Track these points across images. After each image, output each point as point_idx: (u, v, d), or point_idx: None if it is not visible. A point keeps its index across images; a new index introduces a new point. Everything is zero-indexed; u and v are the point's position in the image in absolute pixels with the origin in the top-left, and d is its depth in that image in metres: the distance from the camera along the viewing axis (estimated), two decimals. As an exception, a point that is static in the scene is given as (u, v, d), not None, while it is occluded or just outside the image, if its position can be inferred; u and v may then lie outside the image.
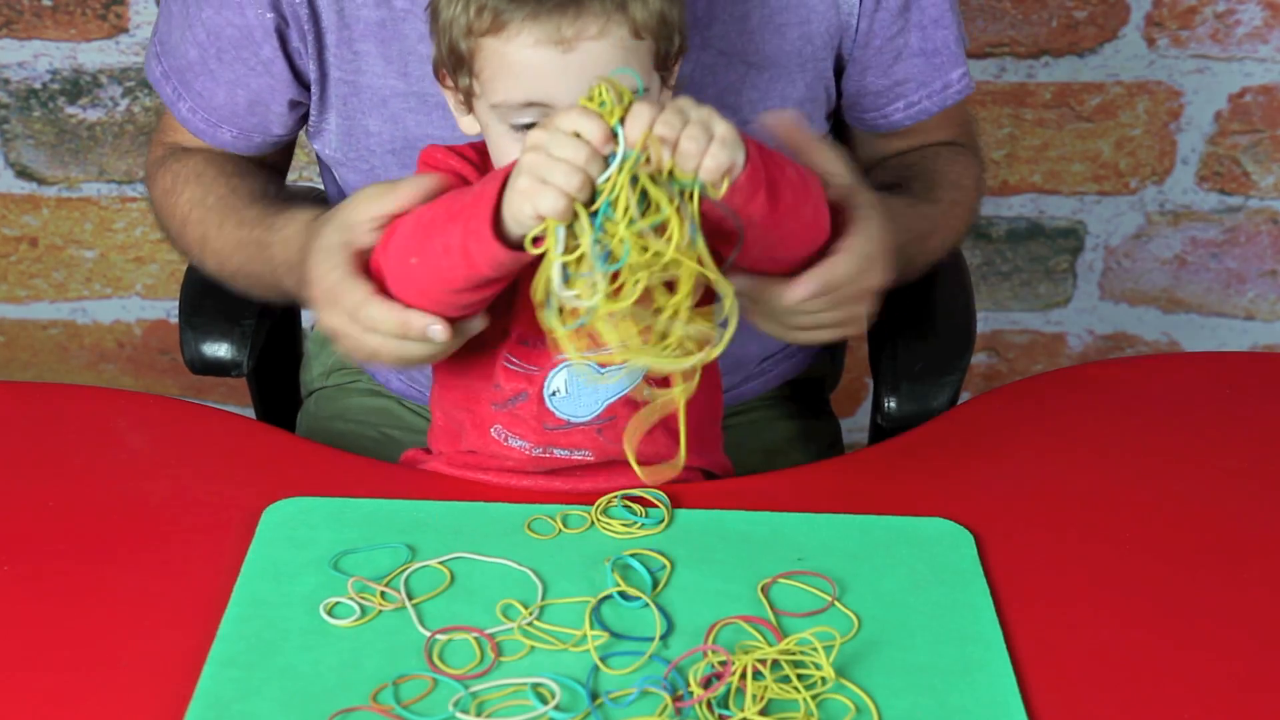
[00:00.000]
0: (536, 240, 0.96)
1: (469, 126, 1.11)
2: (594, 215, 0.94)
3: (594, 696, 0.93)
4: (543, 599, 1.02)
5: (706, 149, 0.94)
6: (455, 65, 1.07)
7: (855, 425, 2.33)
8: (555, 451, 1.13)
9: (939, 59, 1.31)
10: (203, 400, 2.29)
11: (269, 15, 1.22)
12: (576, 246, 0.94)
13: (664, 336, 0.98)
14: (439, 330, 1.03)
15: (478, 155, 1.12)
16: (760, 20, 1.24)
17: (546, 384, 1.10)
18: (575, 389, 1.10)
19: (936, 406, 1.29)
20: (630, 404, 1.11)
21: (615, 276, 0.95)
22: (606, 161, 0.94)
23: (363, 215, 1.06)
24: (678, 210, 0.94)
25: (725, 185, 0.94)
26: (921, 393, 1.31)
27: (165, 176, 1.33)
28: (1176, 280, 2.26)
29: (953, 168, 1.34)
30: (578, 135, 0.94)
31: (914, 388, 1.31)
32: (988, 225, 2.22)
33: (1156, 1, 2.04)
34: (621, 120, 0.94)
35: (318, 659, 0.96)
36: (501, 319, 1.09)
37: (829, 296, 1.06)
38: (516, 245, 0.98)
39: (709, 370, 1.14)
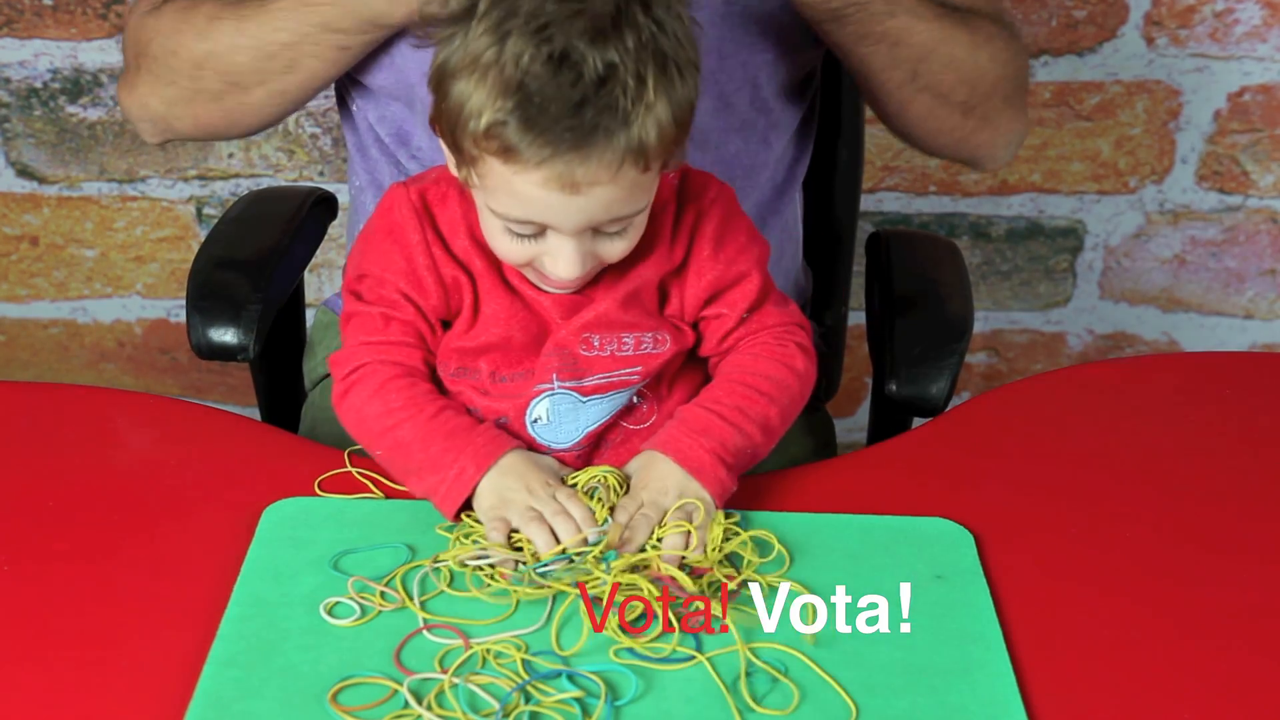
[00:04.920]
0: None
1: (458, 171, 1.05)
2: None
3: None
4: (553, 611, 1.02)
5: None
6: (455, 151, 1.00)
7: (855, 425, 2.33)
8: None
9: None
10: (203, 400, 2.30)
11: None
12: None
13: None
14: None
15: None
16: None
17: (528, 412, 1.09)
18: (557, 417, 1.10)
19: (936, 391, 1.30)
20: (612, 428, 1.11)
21: None
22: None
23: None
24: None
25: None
26: (921, 376, 1.31)
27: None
28: (1176, 280, 2.26)
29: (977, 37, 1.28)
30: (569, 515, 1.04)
31: (913, 371, 1.32)
32: (987, 225, 2.22)
33: (1156, 1, 2.04)
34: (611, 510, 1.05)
35: (318, 659, 0.96)
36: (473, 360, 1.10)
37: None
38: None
39: (695, 379, 1.15)
